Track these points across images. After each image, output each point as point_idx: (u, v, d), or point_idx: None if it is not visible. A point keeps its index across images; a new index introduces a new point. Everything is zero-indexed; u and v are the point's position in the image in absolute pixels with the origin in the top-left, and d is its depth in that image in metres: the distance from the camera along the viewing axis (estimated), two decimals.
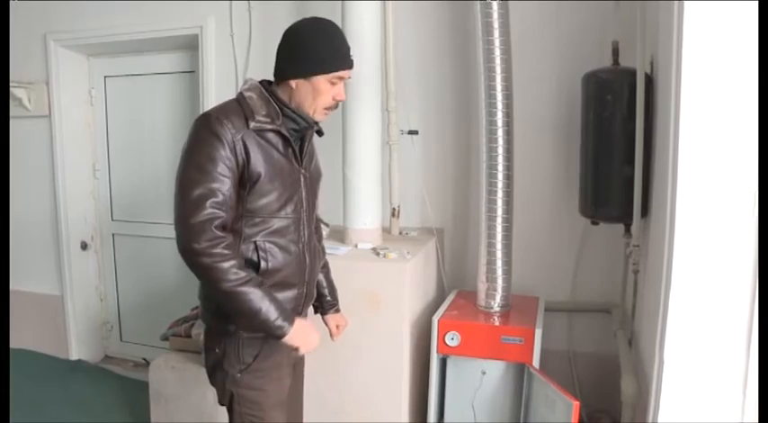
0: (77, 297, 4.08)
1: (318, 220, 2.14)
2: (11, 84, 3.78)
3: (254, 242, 1.72)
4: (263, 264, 1.71)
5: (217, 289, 1.62)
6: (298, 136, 1.81)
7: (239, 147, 1.65)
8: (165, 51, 3.79)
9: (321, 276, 2.08)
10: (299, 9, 3.15)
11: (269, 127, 1.71)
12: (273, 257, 1.73)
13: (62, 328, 4.09)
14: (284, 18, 3.06)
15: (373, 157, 2.72)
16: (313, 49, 1.73)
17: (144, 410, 2.95)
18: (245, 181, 1.68)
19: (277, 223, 1.75)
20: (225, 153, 1.63)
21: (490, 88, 2.48)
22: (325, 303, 2.11)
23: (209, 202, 1.60)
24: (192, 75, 3.71)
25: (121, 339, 4.25)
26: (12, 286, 4.01)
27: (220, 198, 1.61)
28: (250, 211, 1.71)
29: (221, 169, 1.62)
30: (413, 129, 2.99)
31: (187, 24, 3.47)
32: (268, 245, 1.73)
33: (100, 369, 4.03)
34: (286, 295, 1.79)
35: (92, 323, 4.19)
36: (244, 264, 1.66)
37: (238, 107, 1.71)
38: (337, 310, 2.14)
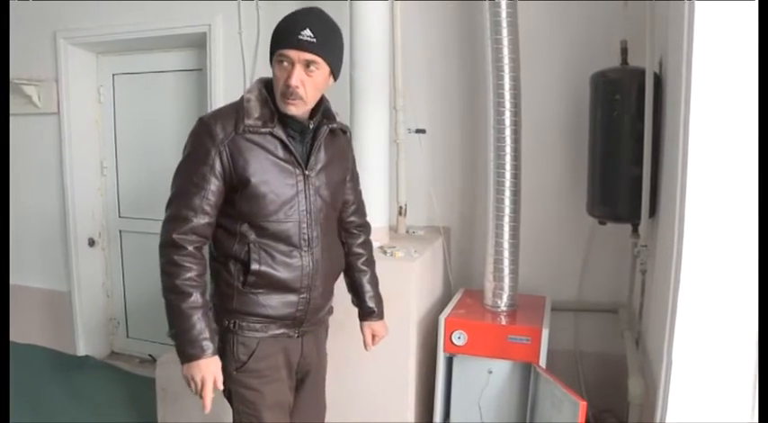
0: (84, 293, 4.09)
1: (364, 223, 2.13)
2: (21, 81, 3.80)
3: (248, 244, 1.73)
4: (253, 265, 1.72)
5: (162, 292, 1.68)
6: (303, 135, 1.78)
7: (225, 153, 1.66)
8: (174, 49, 3.79)
9: (365, 282, 2.08)
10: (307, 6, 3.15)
11: (261, 130, 1.69)
12: (265, 260, 1.73)
13: (69, 323, 4.11)
14: None
15: (381, 155, 2.72)
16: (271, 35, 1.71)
17: (150, 407, 2.96)
18: (234, 185, 1.69)
19: (274, 226, 1.74)
20: (209, 160, 1.66)
21: (498, 87, 2.48)
22: (364, 309, 2.09)
23: (183, 210, 1.67)
24: (200, 73, 3.71)
25: (128, 335, 4.27)
26: (20, 282, 4.06)
27: (195, 203, 1.66)
28: (245, 214, 1.72)
29: (201, 175, 1.66)
30: (420, 127, 2.99)
31: (195, 23, 3.48)
32: (262, 247, 1.73)
33: (106, 365, 4.04)
34: (283, 299, 1.79)
35: (98, 319, 4.21)
36: (201, 279, 1.68)
37: (233, 111, 1.71)
38: (378, 318, 2.11)
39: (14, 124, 3.95)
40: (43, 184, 4.04)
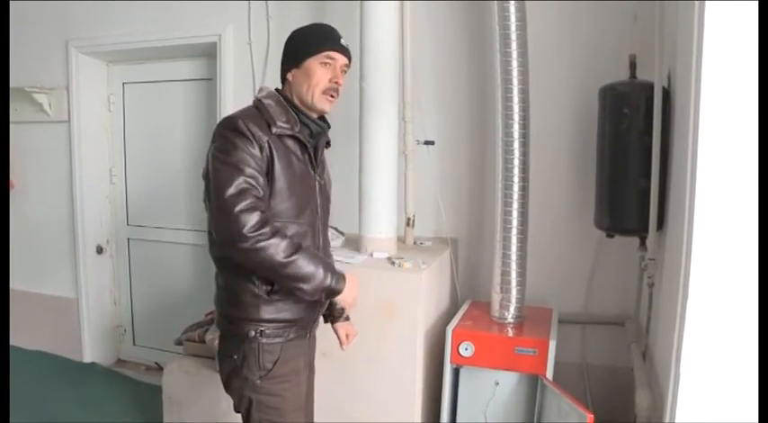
0: (92, 300, 4.11)
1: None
2: (32, 89, 3.84)
3: None
4: None
5: (273, 264, 1.65)
6: (313, 143, 1.86)
7: (266, 149, 1.70)
8: (184, 59, 3.82)
9: None
10: (318, 18, 3.16)
11: (289, 133, 1.76)
12: None
13: (76, 330, 4.12)
14: None
15: (389, 166, 2.73)
16: (301, 38, 1.82)
17: (156, 414, 2.97)
18: (267, 184, 1.72)
19: (294, 229, 1.77)
20: (255, 152, 1.68)
21: (507, 100, 2.49)
22: (335, 311, 2.12)
23: (250, 194, 1.65)
24: (209, 82, 3.74)
25: (134, 343, 4.28)
26: (27, 288, 4.09)
27: (261, 193, 1.68)
28: (272, 215, 1.73)
29: (255, 167, 1.68)
30: (429, 139, 3.00)
31: (206, 32, 3.51)
32: None
33: (113, 372, 4.05)
34: (302, 303, 1.81)
35: (105, 326, 4.22)
36: (285, 235, 1.69)
37: (259, 113, 1.76)
38: (347, 319, 2.15)
39: (25, 132, 4.00)
40: (53, 191, 4.07)
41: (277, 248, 1.63)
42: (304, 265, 1.67)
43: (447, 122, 3.11)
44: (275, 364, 1.79)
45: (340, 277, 1.75)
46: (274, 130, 1.72)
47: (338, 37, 1.82)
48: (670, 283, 1.91)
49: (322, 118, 1.90)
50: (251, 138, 1.68)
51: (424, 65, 3.05)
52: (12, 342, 3.81)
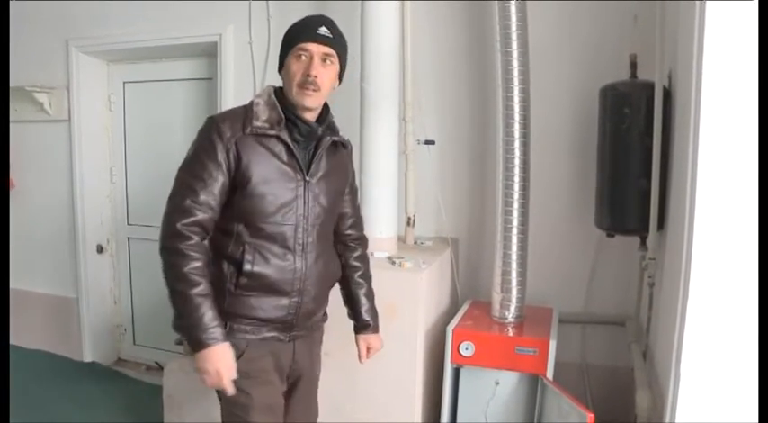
0: (92, 300, 4.11)
1: (361, 237, 2.13)
2: (33, 88, 3.84)
3: (244, 244, 1.75)
4: (246, 266, 1.73)
5: (167, 281, 1.67)
6: (307, 143, 1.81)
7: (232, 150, 1.70)
8: (184, 58, 3.82)
9: (361, 295, 2.08)
10: None
11: (267, 132, 1.73)
12: (259, 262, 1.75)
13: (76, 330, 4.12)
14: None
15: (390, 166, 2.74)
16: (283, 38, 1.80)
17: (156, 414, 2.96)
18: (236, 183, 1.72)
19: (270, 228, 1.76)
20: (219, 155, 1.69)
21: (507, 100, 2.49)
22: (360, 322, 2.10)
23: (187, 202, 1.67)
24: (209, 82, 3.74)
25: (134, 342, 4.28)
26: (28, 287, 4.09)
27: (201, 198, 1.68)
28: (243, 214, 1.74)
29: (209, 172, 1.69)
30: (429, 139, 3.00)
31: (206, 32, 3.51)
32: (257, 249, 1.75)
33: (113, 371, 4.05)
34: (274, 302, 1.80)
35: (105, 326, 4.22)
36: (206, 270, 1.69)
37: (242, 112, 1.76)
38: (373, 331, 2.11)
39: (26, 131, 4.00)
40: (53, 190, 4.07)
41: (178, 271, 1.64)
42: (186, 303, 1.64)
43: (447, 122, 3.11)
44: (239, 358, 1.75)
45: (200, 344, 1.64)
46: (248, 129, 1.72)
47: (314, 27, 1.73)
48: (670, 283, 1.91)
49: (322, 118, 1.84)
50: (219, 139, 1.69)
51: (424, 65, 3.05)
52: (12, 341, 3.81)
